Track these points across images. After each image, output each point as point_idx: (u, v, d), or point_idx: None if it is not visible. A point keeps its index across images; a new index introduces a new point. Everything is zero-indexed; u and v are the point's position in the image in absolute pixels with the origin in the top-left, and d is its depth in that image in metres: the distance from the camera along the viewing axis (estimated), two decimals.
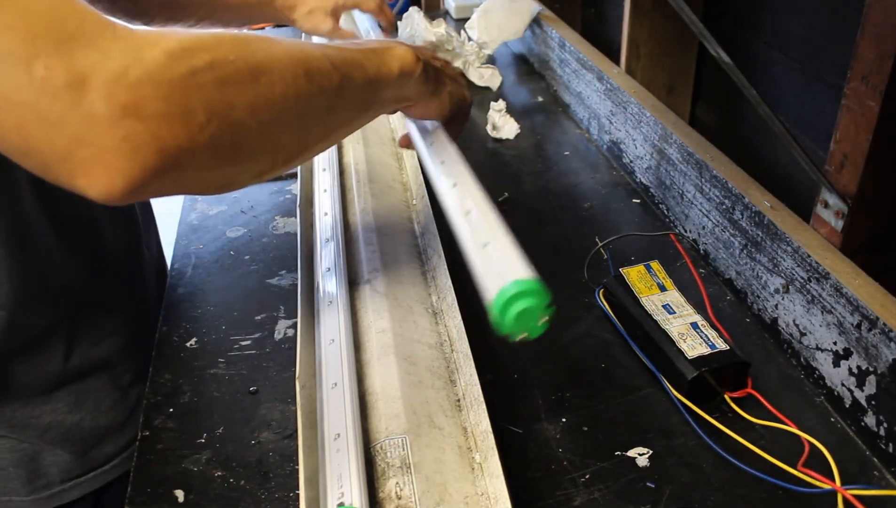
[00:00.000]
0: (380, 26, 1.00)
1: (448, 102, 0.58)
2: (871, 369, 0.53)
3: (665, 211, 0.83)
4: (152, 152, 0.33)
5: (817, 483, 0.50)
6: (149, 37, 0.35)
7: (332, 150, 0.79)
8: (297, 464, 0.47)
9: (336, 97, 0.45)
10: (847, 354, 0.56)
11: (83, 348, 0.64)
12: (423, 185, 0.75)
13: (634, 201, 0.87)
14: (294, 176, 0.83)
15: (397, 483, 0.44)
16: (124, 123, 0.32)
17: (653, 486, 0.52)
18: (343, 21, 0.97)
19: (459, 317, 0.58)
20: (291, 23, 0.97)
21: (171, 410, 0.59)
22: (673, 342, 0.58)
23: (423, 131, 0.60)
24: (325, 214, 0.69)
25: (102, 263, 0.66)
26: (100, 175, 0.33)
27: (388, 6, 0.99)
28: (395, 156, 0.87)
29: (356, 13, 1.05)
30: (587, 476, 0.52)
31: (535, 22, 1.23)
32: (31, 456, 0.64)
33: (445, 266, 0.64)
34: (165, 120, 0.34)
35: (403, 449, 0.45)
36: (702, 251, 0.77)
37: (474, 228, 0.45)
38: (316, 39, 0.99)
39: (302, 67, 0.42)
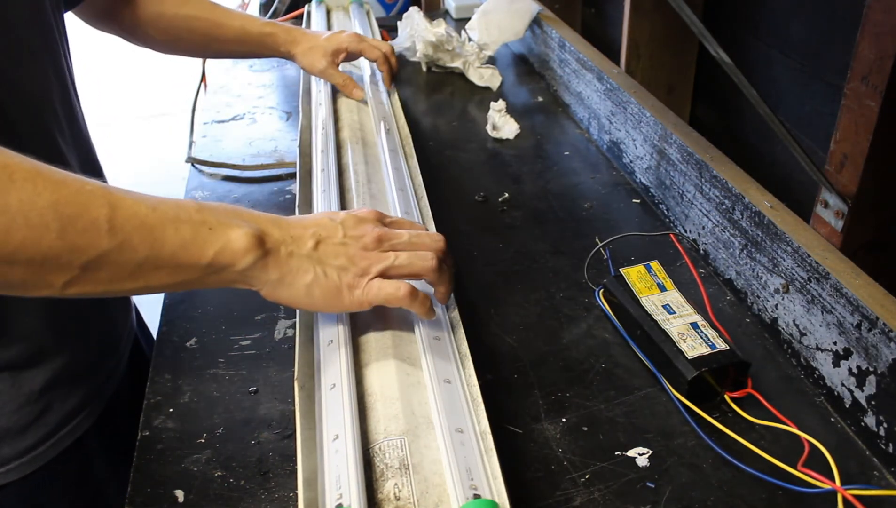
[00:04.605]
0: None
1: (320, 295, 0.50)
2: (871, 369, 0.53)
3: (665, 211, 0.83)
4: None
5: (817, 483, 0.49)
6: None
7: (331, 150, 0.79)
8: (297, 465, 0.47)
9: (98, 260, 0.42)
10: (847, 354, 0.56)
11: None
12: (423, 186, 0.75)
13: (634, 201, 0.87)
14: (293, 176, 0.84)
15: (396, 484, 0.44)
16: None
17: (653, 486, 0.52)
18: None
19: (458, 313, 0.57)
20: (291, 58, 0.96)
21: (171, 410, 0.59)
22: (673, 342, 0.58)
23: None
24: None
25: None
26: None
27: (394, 56, 0.99)
28: None
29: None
30: (587, 476, 0.52)
31: (535, 22, 1.23)
32: None
33: None
34: None
35: (402, 450, 0.45)
36: (702, 251, 0.76)
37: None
38: (315, 80, 0.99)
39: (59, 222, 0.40)
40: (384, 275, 0.51)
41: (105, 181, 0.72)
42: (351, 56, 0.97)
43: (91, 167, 0.69)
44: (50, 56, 0.61)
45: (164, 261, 0.45)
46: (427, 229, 0.59)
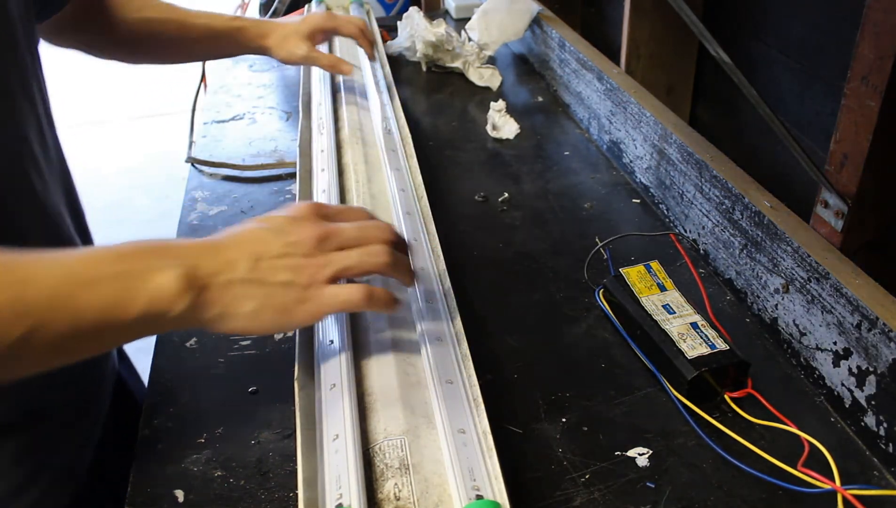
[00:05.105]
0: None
1: (269, 318, 0.46)
2: (870, 369, 0.53)
3: (665, 211, 0.83)
4: None
5: (817, 483, 0.50)
6: None
7: (332, 150, 0.79)
8: (297, 465, 0.47)
9: (14, 348, 0.39)
10: (847, 354, 0.56)
11: None
12: (423, 186, 0.75)
13: (634, 201, 0.87)
14: (293, 176, 0.84)
15: (396, 484, 0.44)
16: None
17: (653, 486, 0.52)
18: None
19: (459, 317, 0.58)
20: (265, 51, 0.92)
21: (171, 410, 0.59)
22: (673, 342, 0.58)
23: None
24: None
25: None
26: None
27: (369, 31, 0.98)
28: None
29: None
30: (587, 476, 0.52)
31: (535, 22, 1.23)
32: None
33: (444, 267, 0.64)
34: None
35: (402, 450, 0.45)
36: (702, 251, 0.76)
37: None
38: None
39: None
40: (335, 280, 0.47)
41: (81, 211, 0.66)
42: (327, 34, 0.95)
43: (69, 199, 0.63)
44: (25, 92, 0.56)
45: (87, 329, 0.41)
46: (372, 215, 0.54)
